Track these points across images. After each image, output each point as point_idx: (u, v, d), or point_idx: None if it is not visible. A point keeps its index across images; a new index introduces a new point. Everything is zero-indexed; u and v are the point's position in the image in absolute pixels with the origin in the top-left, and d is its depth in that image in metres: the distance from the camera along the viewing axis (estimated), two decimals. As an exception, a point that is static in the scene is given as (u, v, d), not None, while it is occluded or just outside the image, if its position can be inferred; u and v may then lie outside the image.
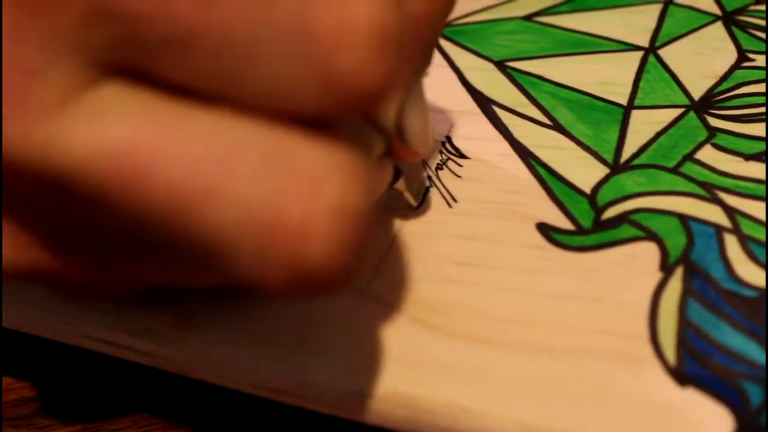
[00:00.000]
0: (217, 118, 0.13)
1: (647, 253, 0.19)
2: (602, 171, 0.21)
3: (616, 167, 0.21)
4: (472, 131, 0.23)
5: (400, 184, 0.21)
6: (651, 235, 0.20)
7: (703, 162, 0.21)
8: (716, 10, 0.27)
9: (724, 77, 0.24)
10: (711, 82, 0.24)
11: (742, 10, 0.27)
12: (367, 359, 0.18)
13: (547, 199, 0.21)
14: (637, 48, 0.25)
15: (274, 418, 0.20)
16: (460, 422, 0.17)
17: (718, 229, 0.20)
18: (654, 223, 0.20)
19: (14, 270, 0.15)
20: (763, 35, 0.25)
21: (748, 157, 0.21)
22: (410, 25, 0.15)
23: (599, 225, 0.20)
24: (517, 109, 0.23)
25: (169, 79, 0.12)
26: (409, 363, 0.18)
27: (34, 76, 0.12)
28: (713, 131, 0.22)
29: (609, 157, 0.22)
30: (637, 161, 0.21)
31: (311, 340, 0.18)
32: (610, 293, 0.18)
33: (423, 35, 0.16)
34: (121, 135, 0.12)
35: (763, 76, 0.24)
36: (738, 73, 0.24)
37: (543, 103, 0.23)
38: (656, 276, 0.19)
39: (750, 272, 0.19)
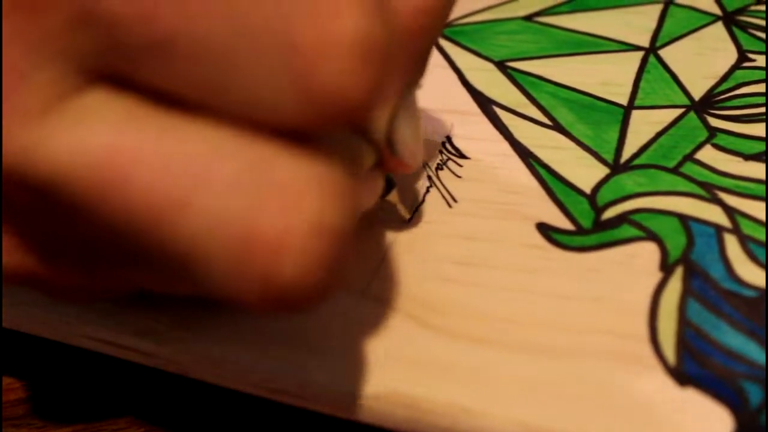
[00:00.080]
0: (198, 128, 0.12)
1: (647, 253, 0.19)
2: (602, 171, 0.21)
3: (616, 167, 0.21)
4: (473, 131, 0.23)
5: (393, 196, 0.21)
6: (651, 235, 0.20)
7: (703, 162, 0.21)
8: (716, 11, 0.27)
9: (725, 77, 0.24)
10: (711, 82, 0.24)
11: (742, 11, 0.27)
12: (367, 359, 0.18)
13: (547, 199, 0.21)
14: (637, 48, 0.25)
15: (274, 418, 0.20)
16: (460, 422, 0.17)
17: (718, 229, 0.20)
18: (654, 223, 0.20)
19: (3, 274, 0.15)
20: (763, 35, 0.25)
21: (748, 157, 0.21)
22: (401, 37, 0.15)
23: (599, 225, 0.20)
24: (517, 109, 0.23)
25: (152, 86, 0.12)
26: (409, 363, 0.18)
27: (19, 81, 0.12)
28: (713, 131, 0.22)
29: (609, 157, 0.22)
30: (637, 161, 0.21)
31: (311, 340, 0.18)
32: (610, 293, 0.18)
33: (415, 47, 0.16)
34: (102, 143, 0.12)
35: (764, 77, 0.24)
36: (738, 73, 0.24)
37: (543, 103, 0.23)
38: (656, 276, 0.19)
39: (750, 272, 0.19)
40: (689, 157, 0.21)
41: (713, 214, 0.20)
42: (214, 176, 0.12)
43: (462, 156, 0.22)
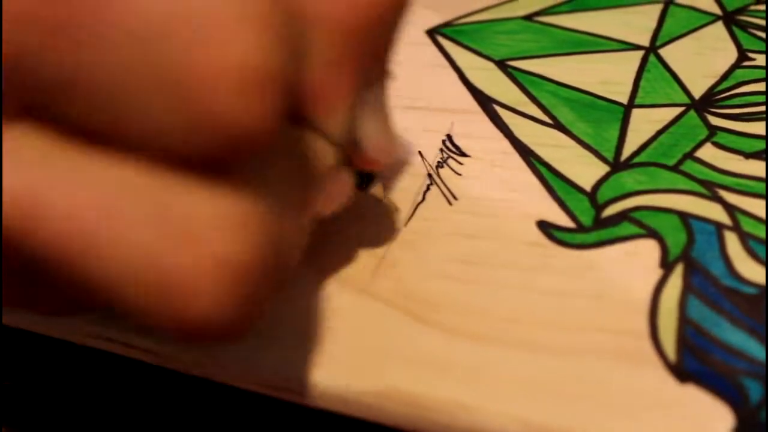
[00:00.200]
0: (109, 164, 0.12)
1: (647, 251, 0.19)
2: (602, 169, 0.21)
3: (617, 165, 0.21)
4: (473, 130, 0.23)
5: (394, 194, 0.21)
6: (651, 233, 0.20)
7: (703, 160, 0.21)
8: (717, 10, 0.27)
9: (725, 76, 0.24)
10: (711, 81, 0.24)
11: (742, 10, 0.27)
12: (366, 357, 0.18)
13: (548, 197, 0.21)
14: (637, 47, 0.25)
15: (273, 415, 0.20)
16: (460, 419, 0.17)
17: (719, 227, 0.20)
18: (654, 221, 0.20)
19: None
20: (763, 35, 0.25)
21: (749, 156, 0.21)
22: (343, 37, 0.15)
23: (600, 223, 0.20)
24: (517, 107, 0.23)
25: (66, 120, 0.12)
26: (409, 360, 0.18)
27: None
28: (713, 130, 0.22)
29: (609, 155, 0.22)
30: (637, 159, 0.21)
31: (311, 338, 0.18)
32: (611, 291, 0.18)
33: (366, 43, 0.15)
34: (17, 184, 0.12)
35: (764, 76, 0.24)
36: (738, 72, 0.24)
37: (543, 101, 0.23)
38: (656, 273, 0.19)
39: (750, 269, 0.19)
40: (689, 155, 0.21)
41: (713, 211, 0.20)
42: (119, 214, 0.12)
43: (462, 154, 0.22)
